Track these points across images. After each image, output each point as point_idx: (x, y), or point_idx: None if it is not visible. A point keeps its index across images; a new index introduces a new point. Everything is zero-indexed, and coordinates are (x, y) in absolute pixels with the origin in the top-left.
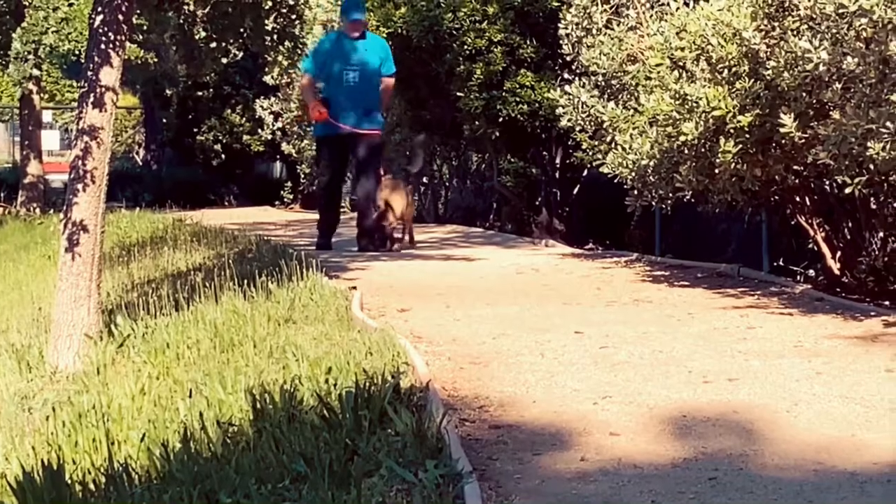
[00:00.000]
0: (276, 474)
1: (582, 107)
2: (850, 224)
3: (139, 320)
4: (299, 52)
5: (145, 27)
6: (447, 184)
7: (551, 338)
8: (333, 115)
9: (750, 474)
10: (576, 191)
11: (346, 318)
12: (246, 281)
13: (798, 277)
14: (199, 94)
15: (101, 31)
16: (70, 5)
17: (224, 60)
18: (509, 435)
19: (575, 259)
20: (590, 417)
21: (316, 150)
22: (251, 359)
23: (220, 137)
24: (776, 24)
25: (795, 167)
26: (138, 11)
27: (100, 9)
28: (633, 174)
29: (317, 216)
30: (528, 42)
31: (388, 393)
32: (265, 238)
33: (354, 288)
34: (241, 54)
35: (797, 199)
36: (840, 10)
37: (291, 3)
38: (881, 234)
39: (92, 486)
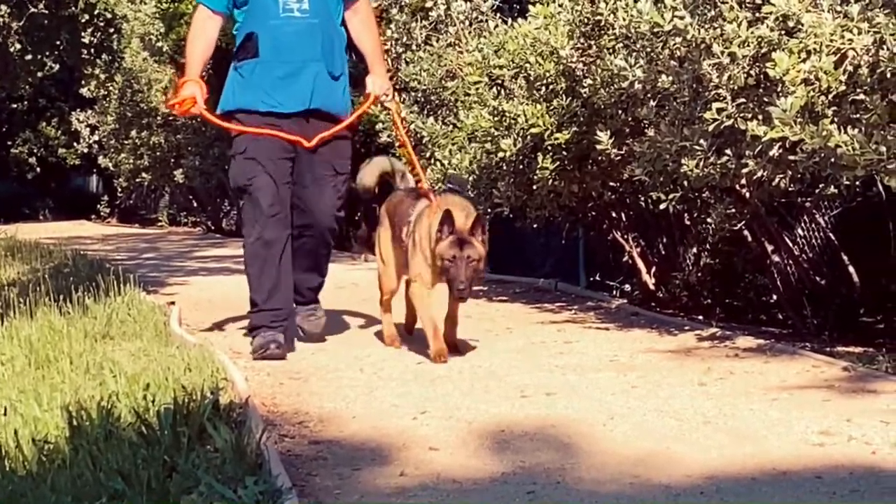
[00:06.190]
0: (93, 492)
1: (402, 122)
2: (664, 239)
3: None
4: (117, 65)
5: None
6: None
7: (371, 353)
8: (264, 86)
9: (567, 487)
10: None
11: (164, 333)
12: (62, 296)
13: (614, 292)
14: (14, 106)
15: None
16: None
17: (39, 74)
18: (329, 450)
19: None
20: (409, 432)
21: (235, 146)
22: (67, 375)
23: (35, 150)
24: (593, 42)
25: (612, 183)
26: None
27: None
28: None
29: (135, 231)
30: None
31: (207, 409)
32: (82, 252)
33: (173, 303)
34: (57, 67)
35: (613, 214)
36: (655, 30)
37: (109, 16)
38: (694, 250)
39: None
